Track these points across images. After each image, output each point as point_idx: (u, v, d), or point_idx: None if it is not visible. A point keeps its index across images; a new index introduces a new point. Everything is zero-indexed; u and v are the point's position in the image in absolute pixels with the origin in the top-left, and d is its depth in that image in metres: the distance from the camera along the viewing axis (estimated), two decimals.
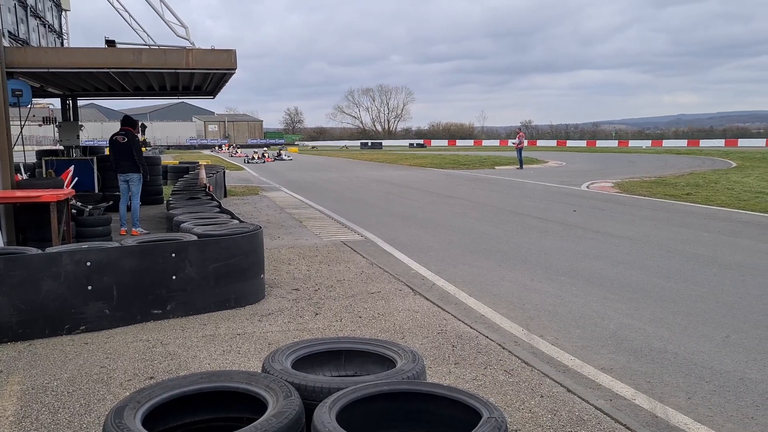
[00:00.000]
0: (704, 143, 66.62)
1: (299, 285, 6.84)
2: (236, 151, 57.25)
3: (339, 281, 7.00)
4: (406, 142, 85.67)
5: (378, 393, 2.42)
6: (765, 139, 67.06)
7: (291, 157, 44.88)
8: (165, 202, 12.42)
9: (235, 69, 8.85)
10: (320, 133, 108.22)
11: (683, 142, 69.32)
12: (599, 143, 73.08)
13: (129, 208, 10.06)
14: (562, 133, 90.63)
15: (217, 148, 74.27)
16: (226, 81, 11.28)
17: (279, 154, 44.19)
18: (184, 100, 73.24)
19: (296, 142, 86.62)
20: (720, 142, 66.78)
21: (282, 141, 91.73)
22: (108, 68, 8.70)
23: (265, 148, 50.48)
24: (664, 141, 72.27)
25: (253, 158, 40.18)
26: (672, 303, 6.16)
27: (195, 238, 6.09)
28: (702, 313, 5.83)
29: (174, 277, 5.60)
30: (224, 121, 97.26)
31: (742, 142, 66.14)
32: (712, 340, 5.08)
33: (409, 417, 2.49)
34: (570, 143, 75.67)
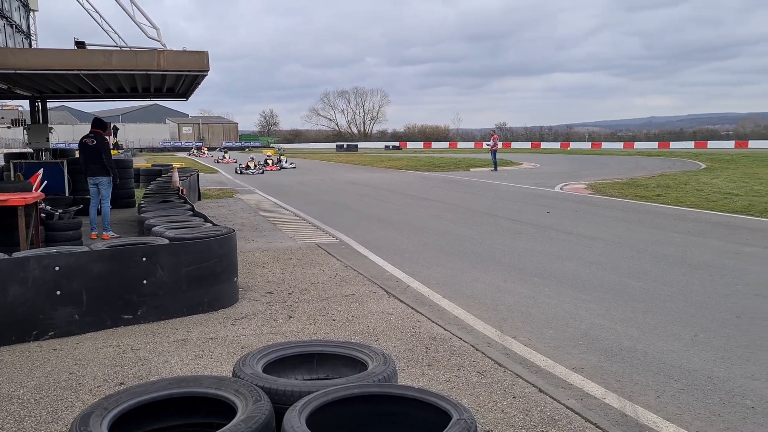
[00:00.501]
0: (675, 145, 67.71)
1: (273, 288, 6.80)
2: (223, 156, 45.73)
3: (313, 284, 6.98)
4: (381, 144, 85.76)
5: (349, 396, 2.42)
6: (734, 141, 68.39)
7: (294, 164, 34.44)
8: (137, 205, 12.27)
9: (207, 71, 8.78)
10: (296, 136, 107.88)
11: (654, 144, 70.42)
12: (573, 145, 73.92)
13: (100, 212, 9.92)
14: (536, 135, 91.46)
15: (195, 150, 66.98)
16: (198, 83, 11.19)
17: (279, 160, 33.54)
18: (157, 102, 72.11)
19: (272, 145, 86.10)
20: (690, 144, 67.93)
21: (257, 144, 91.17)
22: (78, 70, 8.57)
23: (269, 153, 36.64)
24: (635, 143, 73.32)
25: (248, 167, 29.58)
26: (642, 303, 6.25)
27: (166, 241, 6.03)
28: (671, 312, 5.92)
29: (145, 282, 5.53)
30: (199, 124, 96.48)
31: (712, 144, 67.34)
32: (681, 339, 5.16)
33: (380, 419, 2.49)
34: (544, 145, 76.40)
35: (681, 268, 7.77)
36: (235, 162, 38.77)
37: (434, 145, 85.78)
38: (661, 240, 9.86)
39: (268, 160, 32.29)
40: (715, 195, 16.11)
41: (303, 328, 5.43)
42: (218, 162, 43.00)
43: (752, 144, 64.93)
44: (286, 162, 33.65)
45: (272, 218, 12.79)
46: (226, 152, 49.70)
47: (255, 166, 29.85)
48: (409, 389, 2.49)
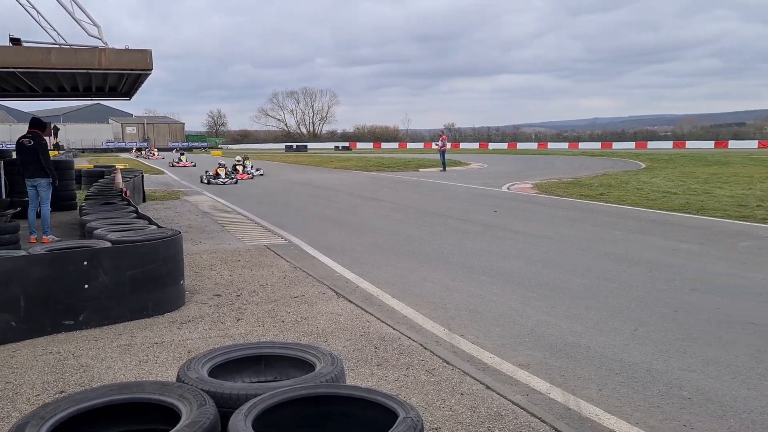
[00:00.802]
0: (617, 145, 69.69)
1: (221, 290, 6.71)
2: (179, 158, 38.23)
3: (262, 286, 6.92)
4: (331, 145, 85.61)
5: (296, 397, 2.41)
6: (672, 142, 70.88)
7: (261, 170, 27.81)
8: (78, 207, 11.91)
9: (151, 69, 8.60)
10: (244, 136, 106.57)
11: (598, 144, 72.30)
12: (520, 145, 75.32)
13: (39, 215, 9.59)
14: (484, 136, 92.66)
15: (142, 150, 60.59)
16: (142, 82, 10.95)
17: (244, 166, 26.24)
18: (100, 102, 70.04)
19: (220, 146, 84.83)
20: (631, 145, 70.06)
21: (205, 144, 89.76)
22: (14, 68, 8.27)
23: (238, 157, 27.81)
24: (580, 143, 75.19)
25: (218, 175, 23.39)
26: (585, 299, 6.41)
27: (109, 244, 5.88)
28: (613, 308, 6.09)
29: (86, 286, 5.38)
30: (143, 123, 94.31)
31: (652, 145, 69.62)
32: (622, 334, 5.31)
33: (328, 420, 2.49)
34: (492, 145, 77.54)
35: (622, 265, 8.01)
36: (194, 165, 34.47)
37: (384, 145, 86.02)
38: (603, 238, 10.14)
39: (237, 166, 25.49)
40: (654, 194, 16.65)
41: (252, 330, 5.38)
42: (173, 165, 36.18)
43: (689, 144, 67.43)
44: (251, 167, 26.89)
45: (220, 220, 12.61)
46: (182, 153, 41.23)
47: (226, 173, 23.45)
48: (357, 389, 2.50)
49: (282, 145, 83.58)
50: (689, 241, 9.64)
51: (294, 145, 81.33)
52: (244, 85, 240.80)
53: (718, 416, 3.78)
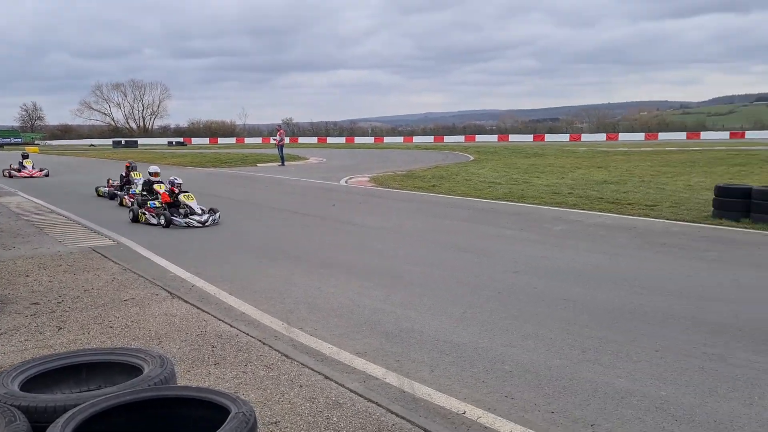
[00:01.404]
0: (448, 139, 73.45)
1: (39, 298, 6.18)
2: (22, 164, 24.20)
3: (86, 291, 6.46)
4: (164, 141, 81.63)
5: (119, 404, 2.30)
6: (497, 135, 76.07)
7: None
8: None
9: None
10: (65, 131, 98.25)
11: (431, 138, 75.74)
12: (357, 140, 76.87)
13: None
14: (322, 130, 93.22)
15: None
16: None
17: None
18: None
19: (36, 142, 77.61)
20: (461, 138, 74.25)
21: (19, 140, 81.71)
22: None
23: (178, 179, 11.89)
24: (414, 137, 78.24)
25: (172, 204, 11.47)
26: (419, 287, 6.70)
27: None
28: (444, 293, 6.43)
29: None
30: None
31: (479, 138, 74.40)
32: (452, 317, 5.63)
33: (158, 423, 2.41)
34: (330, 140, 78.30)
35: (453, 253, 8.47)
36: (46, 175, 23.74)
37: (221, 140, 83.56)
38: (436, 228, 10.65)
39: (175, 187, 11.88)
40: (481, 184, 17.75)
41: (75, 338, 5.01)
42: (10, 176, 23.74)
43: (512, 138, 72.85)
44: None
45: (38, 222, 11.56)
46: (26, 156, 25.33)
47: (203, 211, 11.38)
48: (186, 389, 2.44)
49: (109, 141, 78.23)
50: (511, 228, 10.41)
51: (123, 140, 76.43)
52: (63, 75, 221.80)
53: (535, 385, 4.14)
